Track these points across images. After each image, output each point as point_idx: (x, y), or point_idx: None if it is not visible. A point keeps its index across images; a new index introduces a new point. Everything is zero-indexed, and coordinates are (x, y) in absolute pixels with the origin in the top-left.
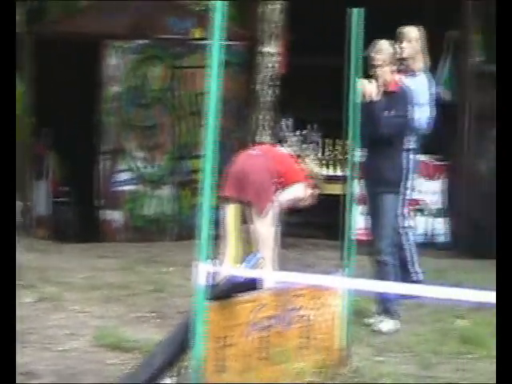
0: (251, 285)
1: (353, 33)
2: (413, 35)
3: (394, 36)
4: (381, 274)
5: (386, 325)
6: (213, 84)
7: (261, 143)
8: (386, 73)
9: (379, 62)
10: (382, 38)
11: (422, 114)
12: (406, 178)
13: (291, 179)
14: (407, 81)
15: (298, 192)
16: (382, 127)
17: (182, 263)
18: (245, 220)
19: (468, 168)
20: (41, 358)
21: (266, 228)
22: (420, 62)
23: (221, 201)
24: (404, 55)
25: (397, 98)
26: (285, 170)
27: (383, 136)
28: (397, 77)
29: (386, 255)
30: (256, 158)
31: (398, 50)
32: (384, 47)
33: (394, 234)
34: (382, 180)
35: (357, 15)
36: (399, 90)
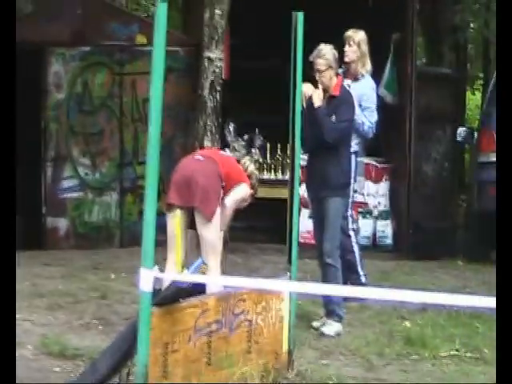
0: (195, 290)
1: (295, 36)
2: (358, 38)
3: (338, 39)
4: (327, 277)
5: (330, 328)
6: (155, 90)
7: (203, 148)
8: (328, 77)
9: (321, 67)
10: (327, 41)
11: (367, 118)
12: (351, 181)
13: (235, 181)
14: (352, 85)
15: (243, 192)
16: (326, 132)
17: (127, 270)
18: (190, 225)
19: (411, 170)
20: None
21: (213, 233)
22: (365, 65)
23: (166, 208)
24: (348, 59)
25: (340, 102)
26: (229, 172)
27: (327, 141)
28: (344, 81)
29: (332, 258)
30: (200, 162)
31: (344, 53)
32: (326, 51)
33: (339, 237)
34: (328, 184)
35: (299, 19)
36: (342, 93)
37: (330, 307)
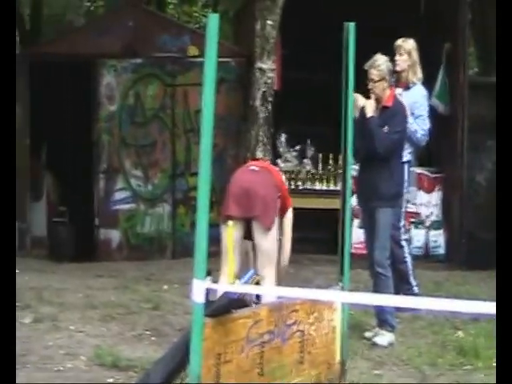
0: (243, 301)
1: (346, 47)
2: (408, 47)
3: (390, 49)
4: (378, 286)
5: (383, 338)
6: (207, 101)
7: (255, 159)
8: (381, 88)
9: (375, 77)
10: (378, 51)
11: (419, 126)
12: (404, 191)
13: (286, 193)
14: (404, 93)
15: (292, 218)
16: (378, 142)
17: (180, 281)
18: (246, 236)
19: (463, 180)
20: (38, 379)
21: (271, 243)
22: (416, 74)
23: (222, 220)
24: (400, 68)
25: (393, 113)
26: (281, 183)
27: (379, 151)
28: (395, 90)
29: (383, 267)
30: (257, 173)
31: (395, 62)
32: (380, 62)
33: (390, 247)
34: (379, 194)
35: (350, 29)
36: (395, 104)
37: (383, 317)
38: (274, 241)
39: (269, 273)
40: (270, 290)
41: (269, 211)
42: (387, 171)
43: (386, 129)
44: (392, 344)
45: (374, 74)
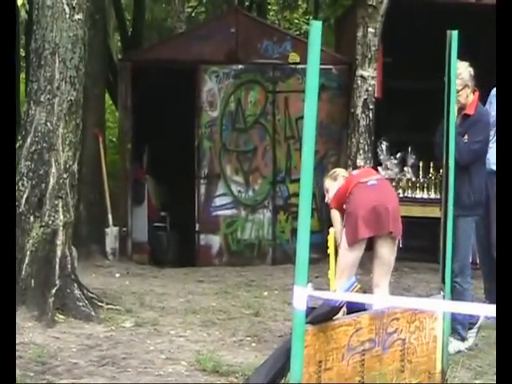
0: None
1: (449, 55)
2: None
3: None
4: (455, 296)
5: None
6: (309, 108)
7: (357, 167)
8: (464, 96)
9: (458, 87)
10: (482, 60)
11: None
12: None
13: None
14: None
15: None
16: (458, 153)
17: (280, 287)
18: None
19: None
20: (139, 383)
21: (394, 255)
22: None
23: (351, 242)
24: None
25: (474, 121)
26: None
27: (459, 161)
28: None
29: (461, 277)
30: (378, 187)
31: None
32: (461, 70)
33: (470, 257)
34: (459, 202)
35: (453, 37)
36: (477, 112)
37: (455, 326)
38: (394, 252)
39: (385, 282)
40: (373, 299)
41: (398, 223)
42: (467, 179)
43: (465, 138)
44: (459, 352)
45: (456, 83)
